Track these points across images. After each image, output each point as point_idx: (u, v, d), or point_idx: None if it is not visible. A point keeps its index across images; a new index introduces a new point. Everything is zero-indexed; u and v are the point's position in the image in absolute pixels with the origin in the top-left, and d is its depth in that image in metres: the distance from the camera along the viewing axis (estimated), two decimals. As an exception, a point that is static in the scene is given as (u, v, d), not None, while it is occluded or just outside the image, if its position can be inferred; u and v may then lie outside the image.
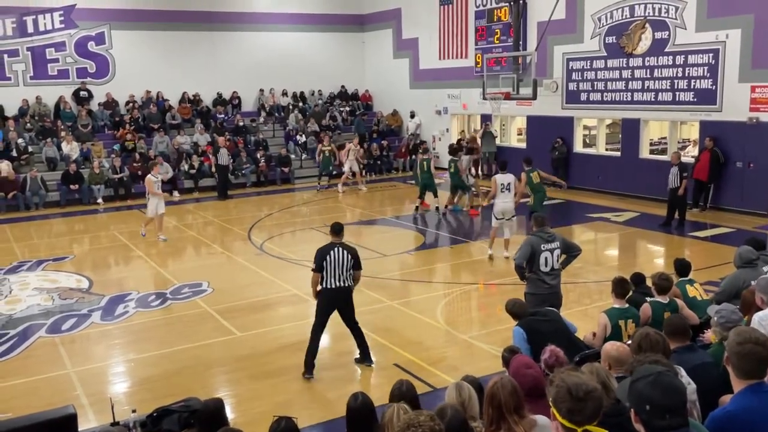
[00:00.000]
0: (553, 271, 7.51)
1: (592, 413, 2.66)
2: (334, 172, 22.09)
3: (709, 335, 5.40)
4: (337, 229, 7.66)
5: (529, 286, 7.63)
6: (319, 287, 7.61)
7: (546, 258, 7.45)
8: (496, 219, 12.35)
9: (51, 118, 22.35)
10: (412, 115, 25.81)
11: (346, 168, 21.08)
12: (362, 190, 20.88)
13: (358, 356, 7.95)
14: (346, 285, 7.55)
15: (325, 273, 7.46)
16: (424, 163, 16.94)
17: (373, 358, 7.88)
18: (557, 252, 7.50)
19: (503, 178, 12.30)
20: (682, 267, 7.27)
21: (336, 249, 7.49)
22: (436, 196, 16.94)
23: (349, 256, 7.50)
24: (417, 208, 16.99)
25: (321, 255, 7.48)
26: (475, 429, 3.74)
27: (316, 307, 7.74)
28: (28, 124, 21.72)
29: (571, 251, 7.69)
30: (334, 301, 7.60)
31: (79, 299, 10.80)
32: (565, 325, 6.31)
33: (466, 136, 22.93)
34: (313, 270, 7.56)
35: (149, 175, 14.61)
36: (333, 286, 7.48)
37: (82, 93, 23.00)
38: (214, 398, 4.76)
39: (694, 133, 18.20)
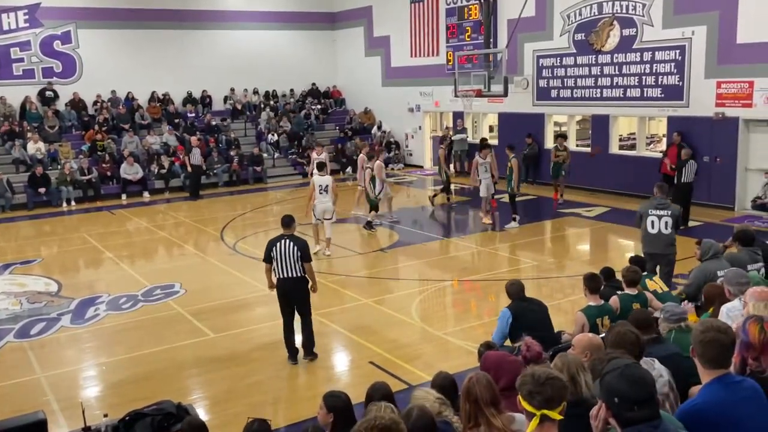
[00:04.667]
0: (660, 235, 8.50)
1: (551, 398, 2.75)
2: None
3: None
4: (286, 222, 7.93)
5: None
6: (274, 278, 7.88)
7: (653, 221, 8.53)
8: (315, 218, 12.79)
9: (16, 119, 21.93)
10: (380, 127, 25.64)
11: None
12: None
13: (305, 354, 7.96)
14: (296, 275, 7.71)
15: (275, 264, 7.73)
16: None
17: (317, 352, 7.93)
18: (666, 219, 8.47)
19: (321, 180, 12.64)
20: (638, 263, 7.29)
21: (283, 240, 7.74)
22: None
23: (296, 248, 7.68)
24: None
25: (269, 247, 7.81)
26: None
27: None
28: (-7, 126, 21.27)
29: (677, 226, 8.76)
30: (287, 291, 7.79)
31: (48, 303, 10.60)
32: (549, 318, 6.44)
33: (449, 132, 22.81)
34: (263, 261, 7.92)
35: (379, 161, 15.00)
36: (282, 276, 7.73)
37: (47, 93, 22.59)
38: (199, 420, 4.67)
39: (662, 129, 18.47)
